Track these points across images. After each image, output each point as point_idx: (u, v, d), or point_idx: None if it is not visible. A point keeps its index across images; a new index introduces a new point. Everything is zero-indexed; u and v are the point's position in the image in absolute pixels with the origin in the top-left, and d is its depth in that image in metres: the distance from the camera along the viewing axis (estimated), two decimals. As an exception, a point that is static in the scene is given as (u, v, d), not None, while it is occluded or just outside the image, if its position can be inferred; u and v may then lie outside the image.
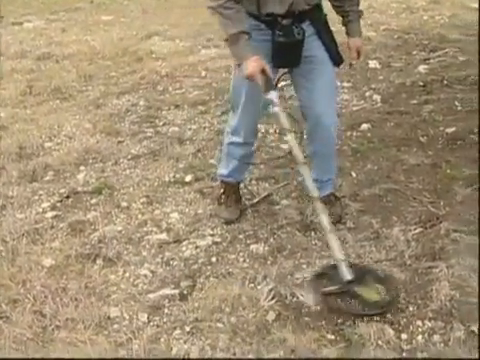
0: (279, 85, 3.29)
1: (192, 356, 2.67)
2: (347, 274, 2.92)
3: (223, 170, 3.70)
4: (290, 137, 3.09)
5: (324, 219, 2.99)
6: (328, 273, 3.06)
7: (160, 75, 6.30)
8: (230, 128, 3.53)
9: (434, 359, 2.41)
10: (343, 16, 3.36)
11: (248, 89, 3.23)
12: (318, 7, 3.20)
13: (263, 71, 3.02)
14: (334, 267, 3.00)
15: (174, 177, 4.19)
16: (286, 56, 3.17)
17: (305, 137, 3.45)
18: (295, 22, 3.10)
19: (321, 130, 3.34)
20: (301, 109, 3.39)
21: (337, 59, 3.26)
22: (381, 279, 3.01)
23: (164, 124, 5.09)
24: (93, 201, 3.93)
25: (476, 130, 4.57)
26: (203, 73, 6.30)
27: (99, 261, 3.32)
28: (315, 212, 3.13)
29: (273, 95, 3.07)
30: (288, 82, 3.36)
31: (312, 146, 3.45)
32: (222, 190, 3.74)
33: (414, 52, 6.66)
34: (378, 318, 2.82)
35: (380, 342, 2.69)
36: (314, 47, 3.19)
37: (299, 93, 3.37)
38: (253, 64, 3.01)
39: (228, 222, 3.60)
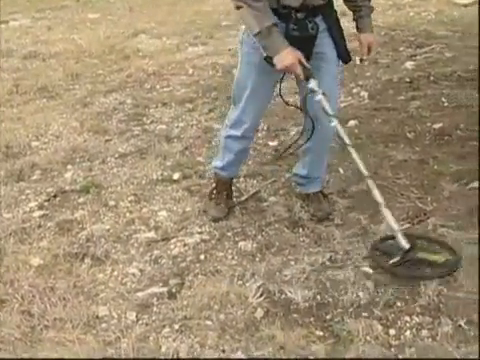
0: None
1: (181, 355, 2.66)
2: (405, 243, 3.04)
3: (218, 162, 3.67)
4: (336, 122, 3.15)
5: (377, 194, 3.12)
6: (382, 248, 3.20)
7: (147, 73, 6.29)
8: (229, 121, 3.50)
9: (437, 359, 2.42)
10: (355, 11, 3.32)
11: (254, 83, 3.24)
12: (330, 3, 3.18)
13: (299, 61, 3.02)
14: (384, 240, 3.22)
15: (162, 175, 4.18)
16: (298, 50, 3.10)
17: (302, 133, 3.42)
18: (308, 16, 3.09)
19: (322, 128, 3.30)
20: (303, 106, 3.32)
21: (345, 56, 3.24)
22: (434, 241, 3.22)
23: (151, 122, 5.09)
24: (81, 200, 3.92)
25: (462, 126, 4.59)
26: (190, 71, 6.30)
27: (87, 260, 3.31)
28: (368, 188, 3.19)
29: (313, 83, 3.08)
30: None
31: (309, 143, 3.40)
32: (214, 185, 3.74)
33: (401, 48, 6.68)
34: (366, 314, 2.83)
35: (368, 338, 2.69)
36: (325, 44, 3.18)
37: (301, 88, 3.29)
38: (291, 55, 3.00)
39: (215, 220, 3.59)
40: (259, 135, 4.65)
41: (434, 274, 2.99)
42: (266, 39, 2.99)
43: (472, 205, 3.55)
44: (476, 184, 3.81)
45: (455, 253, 3.10)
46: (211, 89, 5.71)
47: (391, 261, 3.06)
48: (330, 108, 3.12)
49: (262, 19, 2.96)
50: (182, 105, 5.40)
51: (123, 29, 8.09)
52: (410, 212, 3.57)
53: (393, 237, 3.13)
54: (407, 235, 3.11)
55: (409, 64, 6.13)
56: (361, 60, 3.32)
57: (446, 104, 5.07)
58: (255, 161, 4.26)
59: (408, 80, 5.67)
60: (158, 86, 5.92)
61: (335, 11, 3.22)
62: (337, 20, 3.23)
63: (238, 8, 3.01)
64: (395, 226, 3.09)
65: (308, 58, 3.12)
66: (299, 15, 3.06)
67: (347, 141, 3.17)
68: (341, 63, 3.29)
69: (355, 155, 3.17)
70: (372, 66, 6.10)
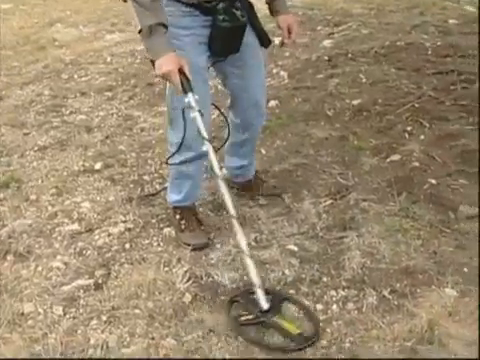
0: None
1: (110, 345, 2.64)
2: (265, 303, 2.70)
3: (175, 196, 3.32)
4: (208, 147, 2.80)
5: (242, 243, 2.75)
6: (241, 300, 2.82)
7: (64, 63, 6.16)
8: (175, 146, 3.07)
9: (437, 359, 2.47)
10: None
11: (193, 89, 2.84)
12: None
13: (180, 70, 2.72)
14: (247, 293, 2.82)
15: (83, 166, 4.11)
16: (229, 42, 2.93)
17: (231, 126, 3.29)
18: (232, 5, 2.86)
19: (257, 117, 3.27)
20: (233, 98, 3.23)
21: (265, 41, 3.06)
22: (299, 306, 2.78)
23: (71, 113, 4.99)
24: (0, 196, 3.81)
25: (380, 101, 4.69)
26: (108, 59, 6.20)
27: (10, 257, 3.23)
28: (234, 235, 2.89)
29: (191, 98, 2.75)
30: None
31: (245, 134, 3.31)
32: (178, 216, 3.32)
33: (318, 27, 6.74)
34: (293, 291, 2.87)
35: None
36: (246, 32, 2.96)
37: (230, 82, 3.15)
38: (170, 61, 2.69)
39: (199, 248, 3.19)
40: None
41: (283, 346, 2.58)
42: (147, 39, 2.69)
43: (391, 177, 3.64)
44: (395, 157, 3.90)
45: (315, 326, 2.66)
46: (130, 76, 5.63)
47: (243, 318, 2.71)
48: (203, 127, 2.78)
49: (146, 16, 2.65)
50: (101, 94, 5.32)
51: (37, 19, 7.88)
52: (332, 188, 3.62)
53: (266, 291, 2.74)
54: (273, 293, 2.80)
55: (327, 42, 6.20)
56: (282, 44, 3.16)
57: (364, 80, 5.15)
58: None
59: (326, 58, 5.74)
60: (76, 76, 5.81)
61: None
62: (251, 5, 3.00)
63: (125, 0, 2.75)
64: (257, 281, 2.70)
65: (238, 49, 2.96)
66: (222, 5, 2.84)
67: (217, 172, 2.81)
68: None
69: (225, 190, 2.82)
70: (290, 46, 6.11)
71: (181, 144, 3.02)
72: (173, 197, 3.35)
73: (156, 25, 2.67)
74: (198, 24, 2.88)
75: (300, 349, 2.55)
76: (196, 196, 3.41)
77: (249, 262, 2.72)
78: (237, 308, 2.79)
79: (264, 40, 3.07)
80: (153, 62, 2.74)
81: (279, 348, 2.58)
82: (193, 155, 3.09)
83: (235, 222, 2.77)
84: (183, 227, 3.30)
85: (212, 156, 2.80)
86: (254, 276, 2.71)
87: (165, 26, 2.70)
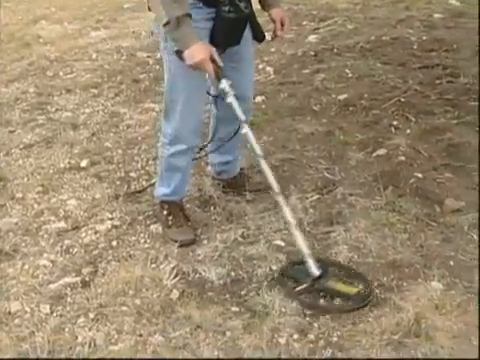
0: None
1: (98, 343, 2.64)
2: (316, 269, 2.80)
3: (164, 189, 3.33)
4: (247, 129, 2.95)
5: (288, 214, 2.88)
6: (289, 273, 2.93)
7: (49, 60, 6.13)
8: (168, 137, 3.16)
9: (437, 359, 2.47)
10: None
11: (190, 82, 2.98)
12: None
13: (211, 57, 2.80)
14: (294, 264, 2.95)
15: (69, 163, 4.10)
16: (232, 33, 2.96)
17: (216, 121, 3.35)
18: None
19: (244, 112, 3.19)
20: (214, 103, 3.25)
21: (259, 35, 3.08)
22: (346, 268, 2.93)
23: (56, 110, 4.97)
24: (-14, 194, 3.80)
25: (366, 95, 4.70)
26: (94, 55, 6.18)
27: (-4, 256, 3.22)
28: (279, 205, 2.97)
29: (225, 84, 2.87)
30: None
31: (231, 127, 3.25)
32: (166, 212, 3.33)
33: (304, 23, 6.74)
34: (281, 287, 2.87)
35: (283, 309, 2.73)
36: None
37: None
38: (202, 50, 2.77)
39: (186, 244, 3.19)
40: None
41: (343, 308, 2.73)
42: (176, 31, 2.75)
43: (377, 172, 3.65)
44: (381, 152, 3.91)
45: (367, 284, 2.82)
46: (116, 73, 5.61)
47: (298, 288, 2.81)
48: (240, 110, 2.93)
49: (173, 8, 2.71)
50: (87, 91, 5.30)
51: (22, 16, 7.84)
52: (319, 183, 3.63)
53: (303, 262, 2.85)
54: (319, 260, 2.87)
55: (313, 38, 6.20)
56: (274, 37, 3.18)
57: (350, 75, 5.16)
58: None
59: (312, 53, 5.74)
60: (61, 73, 5.78)
61: None
62: None
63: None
64: (306, 250, 2.82)
65: (240, 40, 2.98)
66: None
67: (258, 152, 2.97)
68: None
69: (265, 167, 2.97)
70: (276, 41, 6.11)
71: (174, 135, 3.12)
72: (161, 190, 3.35)
73: (183, 16, 2.72)
74: (201, 17, 2.88)
75: (361, 307, 2.71)
76: (184, 191, 3.41)
77: (297, 233, 2.85)
78: (288, 281, 2.90)
79: (258, 34, 3.08)
80: (179, 53, 2.81)
81: (340, 309, 2.73)
82: (185, 148, 3.15)
83: (280, 198, 2.91)
84: (170, 223, 3.29)
85: (251, 137, 2.96)
86: (303, 246, 2.83)
87: (190, 16, 2.75)
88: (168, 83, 3.07)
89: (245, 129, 2.96)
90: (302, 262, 2.85)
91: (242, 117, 2.94)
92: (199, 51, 2.77)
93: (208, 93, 3.18)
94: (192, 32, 2.77)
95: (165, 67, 3.08)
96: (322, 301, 2.78)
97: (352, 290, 2.78)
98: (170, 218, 3.31)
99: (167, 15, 2.72)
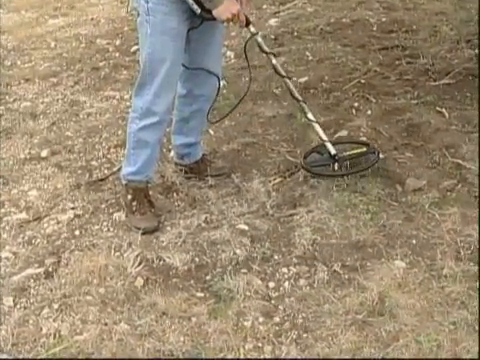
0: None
1: (63, 333, 2.62)
2: (333, 149, 3.43)
3: (129, 168, 3.29)
4: (275, 60, 3.44)
5: (310, 115, 3.50)
6: (312, 163, 3.53)
7: (7, 49, 5.99)
8: (140, 110, 3.17)
9: (435, 359, 2.49)
10: None
11: (173, 52, 3.07)
12: None
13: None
14: (306, 156, 3.54)
15: (29, 153, 4.04)
16: None
17: (178, 100, 3.39)
18: None
19: (210, 87, 3.32)
20: (190, 65, 3.24)
21: None
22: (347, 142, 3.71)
23: (15, 100, 4.87)
24: None
25: (327, 78, 4.71)
26: (52, 44, 6.06)
27: (-44, 249, 3.17)
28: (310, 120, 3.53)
29: (253, 28, 3.25)
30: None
31: (195, 105, 3.33)
32: (130, 197, 3.29)
33: (264, 6, 6.69)
34: (245, 270, 2.89)
35: (248, 293, 2.76)
36: None
37: (191, 47, 3.18)
38: (234, 3, 3.01)
39: (149, 231, 3.18)
40: (127, 104, 4.56)
41: (372, 162, 3.48)
42: None
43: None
44: (343, 133, 3.93)
45: (368, 144, 3.66)
46: (75, 61, 5.52)
47: (335, 168, 3.44)
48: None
49: None
50: (46, 80, 5.20)
51: (-23, 5, 7.68)
52: (281, 166, 3.64)
53: (311, 152, 3.57)
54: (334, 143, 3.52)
55: (273, 21, 6.17)
56: None
57: (310, 58, 5.16)
58: (124, 130, 4.11)
59: (273, 37, 5.71)
60: (19, 62, 5.67)
61: None
62: None
63: None
64: (324, 137, 3.47)
65: None
66: None
67: (283, 73, 3.49)
68: None
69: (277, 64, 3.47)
70: (236, 26, 6.10)
71: (147, 108, 3.14)
72: (127, 169, 3.31)
73: None
74: None
75: (378, 156, 3.50)
76: (150, 172, 3.35)
77: (316, 125, 3.51)
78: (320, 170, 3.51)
79: None
80: (202, 14, 2.99)
81: (371, 164, 3.50)
82: (156, 121, 3.16)
83: (312, 121, 3.52)
84: (134, 209, 3.27)
85: (276, 63, 3.49)
86: (322, 134, 3.48)
87: None
88: (147, 56, 3.09)
89: (274, 60, 3.47)
90: (312, 151, 3.58)
91: (268, 50, 3.42)
92: (232, 5, 3.00)
93: (184, 66, 3.22)
94: None
95: (143, 41, 3.11)
96: (355, 165, 3.47)
97: (362, 149, 3.55)
98: (134, 204, 3.28)
99: None
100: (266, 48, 3.37)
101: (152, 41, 3.05)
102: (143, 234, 3.15)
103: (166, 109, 3.19)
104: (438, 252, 2.91)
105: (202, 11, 2.97)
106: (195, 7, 2.97)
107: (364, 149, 3.55)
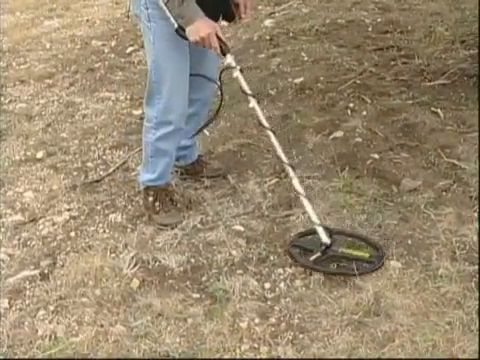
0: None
1: (59, 335, 2.62)
2: (326, 238, 2.88)
3: (149, 175, 3.28)
4: (254, 103, 3.01)
5: (297, 184, 2.97)
6: (300, 244, 2.99)
7: (2, 51, 5.99)
8: (154, 121, 3.14)
9: (431, 359, 2.48)
10: None
11: (175, 62, 3.01)
12: None
13: (216, 33, 2.82)
14: (302, 235, 3.04)
15: (25, 155, 4.04)
16: (216, 4, 2.95)
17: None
18: None
19: (207, 92, 3.31)
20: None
21: (229, 15, 3.07)
22: (351, 235, 3.02)
23: (10, 101, 4.88)
24: None
25: (322, 78, 4.71)
26: (47, 45, 6.06)
27: (-48, 251, 3.17)
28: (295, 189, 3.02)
29: (230, 59, 2.92)
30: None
31: (191, 108, 3.26)
32: (152, 198, 3.29)
33: (259, 7, 6.69)
34: (241, 271, 2.89)
35: (244, 294, 2.76)
36: None
37: (189, 54, 3.09)
38: (207, 25, 2.78)
39: (174, 226, 3.20)
40: (123, 105, 4.58)
41: (363, 269, 2.81)
42: (180, 6, 2.75)
43: (334, 154, 3.67)
44: (338, 134, 3.93)
45: (377, 246, 2.92)
46: (70, 63, 5.53)
47: (312, 257, 2.87)
48: (246, 85, 3.01)
49: None
50: (41, 81, 5.20)
51: (-28, 7, 7.67)
52: (276, 167, 3.63)
53: (310, 232, 2.99)
54: (329, 229, 2.96)
55: (268, 22, 6.17)
56: (239, 19, 3.16)
57: (306, 58, 5.16)
58: (120, 131, 4.20)
59: (268, 38, 5.71)
60: (14, 63, 5.67)
61: None
62: None
63: None
64: (316, 220, 2.91)
65: (226, 13, 3.01)
66: None
67: (266, 124, 3.04)
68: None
69: (274, 140, 3.03)
70: (232, 26, 6.10)
71: (161, 118, 3.10)
72: (146, 177, 3.31)
73: None
74: None
75: (377, 269, 2.81)
76: (169, 175, 3.36)
77: (306, 203, 2.92)
78: (299, 253, 2.95)
79: (228, 14, 3.06)
80: (180, 31, 2.82)
81: (364, 270, 2.80)
82: (171, 130, 3.12)
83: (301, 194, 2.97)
84: (158, 209, 3.27)
85: (258, 109, 3.02)
86: (313, 215, 2.91)
87: None
88: (152, 64, 3.05)
89: (252, 103, 3.03)
90: (309, 233, 3.00)
91: (248, 91, 2.98)
92: (205, 26, 2.78)
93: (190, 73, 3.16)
94: (196, 7, 2.78)
95: (148, 48, 3.07)
96: (340, 267, 2.87)
97: (365, 254, 2.88)
98: (157, 204, 3.28)
99: None
100: (246, 87, 3.01)
101: (156, 48, 3.01)
102: (172, 229, 3.17)
103: (180, 116, 3.13)
104: (434, 252, 2.91)
105: (179, 27, 2.85)
106: (173, 21, 2.85)
107: (367, 255, 2.87)
